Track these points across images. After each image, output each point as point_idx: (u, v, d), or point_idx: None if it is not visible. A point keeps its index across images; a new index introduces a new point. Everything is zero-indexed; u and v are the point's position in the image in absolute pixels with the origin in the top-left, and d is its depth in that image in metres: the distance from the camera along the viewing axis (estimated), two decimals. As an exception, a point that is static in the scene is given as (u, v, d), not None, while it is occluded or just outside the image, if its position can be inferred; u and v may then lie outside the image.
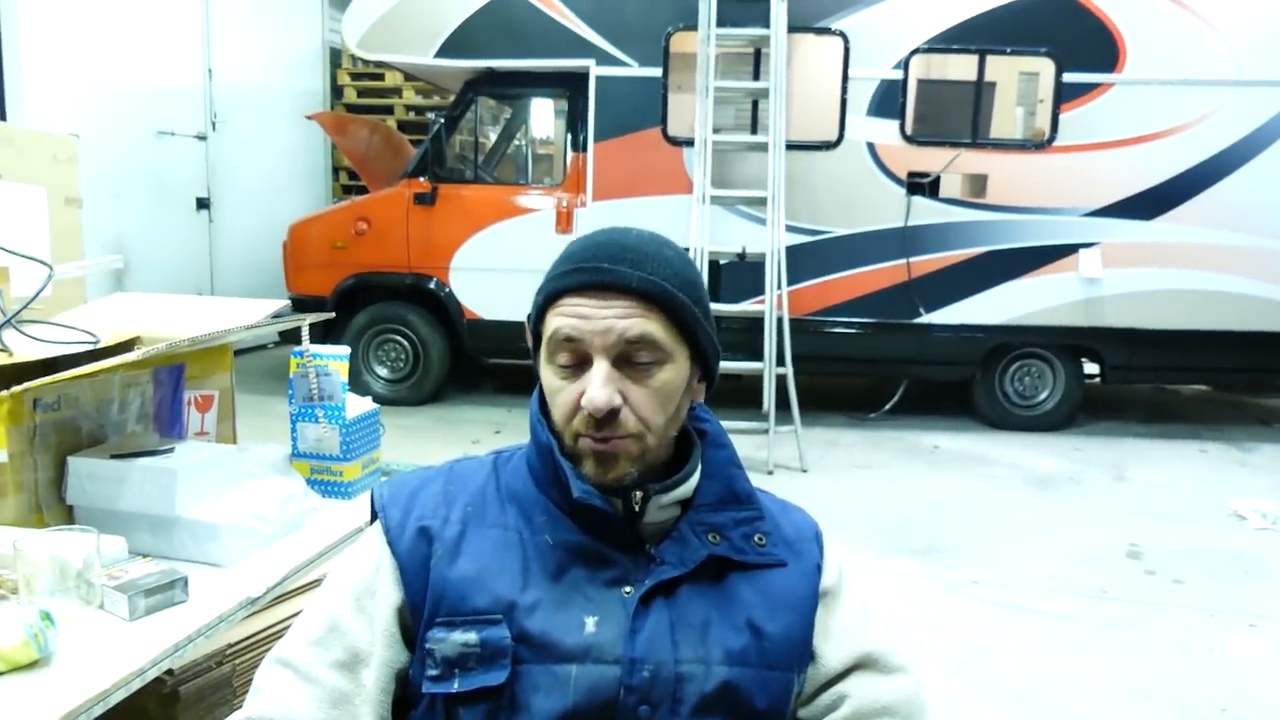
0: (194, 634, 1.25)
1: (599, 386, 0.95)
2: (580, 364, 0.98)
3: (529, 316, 1.05)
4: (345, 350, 1.89)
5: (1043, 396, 5.84)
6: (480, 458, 1.12)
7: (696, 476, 1.06)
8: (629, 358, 0.97)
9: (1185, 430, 5.90)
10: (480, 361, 6.20)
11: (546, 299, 1.01)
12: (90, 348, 1.65)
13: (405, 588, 1.01)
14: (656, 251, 1.01)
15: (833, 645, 1.07)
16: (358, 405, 1.92)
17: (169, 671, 1.74)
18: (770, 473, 4.78)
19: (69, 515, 1.53)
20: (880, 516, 4.25)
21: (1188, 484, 4.82)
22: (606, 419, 0.96)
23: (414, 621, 1.00)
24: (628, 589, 0.99)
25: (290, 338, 4.48)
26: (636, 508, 1.02)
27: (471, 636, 0.97)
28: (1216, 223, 5.42)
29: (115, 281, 6.05)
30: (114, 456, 1.50)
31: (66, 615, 1.20)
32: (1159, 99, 5.37)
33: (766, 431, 4.90)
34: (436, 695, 0.97)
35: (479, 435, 5.29)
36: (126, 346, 1.67)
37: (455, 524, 1.03)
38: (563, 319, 0.98)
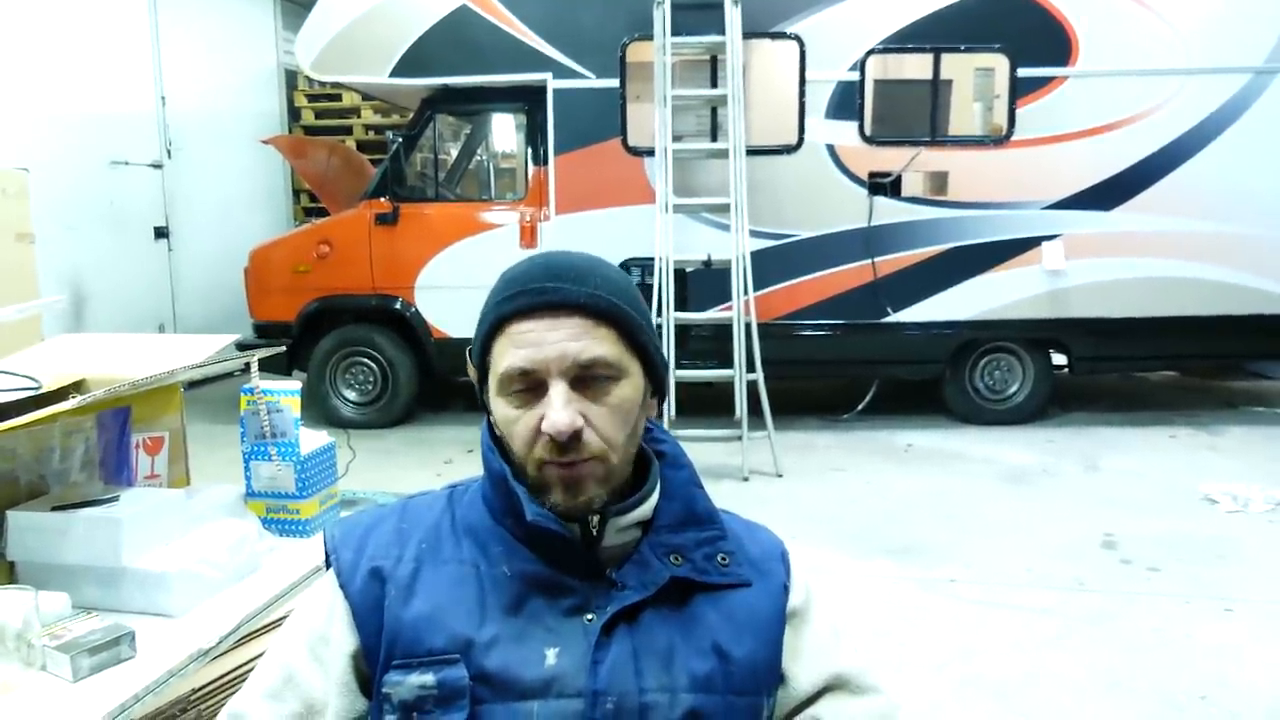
0: (141, 692, 1.20)
1: (560, 409, 0.93)
2: (535, 390, 0.95)
3: (470, 351, 1.02)
4: (296, 385, 1.85)
5: (1013, 390, 5.87)
6: (435, 492, 1.10)
7: (655, 497, 1.03)
8: (585, 378, 0.95)
9: (1154, 417, 5.95)
10: (450, 380, 6.15)
11: (491, 329, 0.98)
12: (31, 393, 1.59)
13: (359, 632, 0.98)
14: (596, 268, 1.00)
15: (803, 667, 1.05)
16: (312, 440, 1.87)
17: (130, 722, 1.69)
18: (745, 479, 4.77)
19: (10, 572, 1.48)
20: (857, 518, 4.24)
21: (1159, 471, 4.85)
22: (570, 442, 0.94)
23: (369, 666, 0.98)
24: (589, 616, 0.97)
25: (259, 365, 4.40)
26: (594, 531, 0.99)
27: (428, 678, 0.94)
28: (1174, 210, 5.48)
29: (74, 316, 5.96)
30: (55, 508, 1.45)
31: (6, 680, 1.16)
32: (1113, 90, 5.43)
33: (740, 438, 4.88)
34: None
35: (451, 455, 5.24)
36: (70, 391, 1.62)
37: (409, 562, 1.00)
38: (513, 350, 0.95)
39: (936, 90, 5.56)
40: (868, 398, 5.90)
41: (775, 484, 4.76)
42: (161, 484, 1.82)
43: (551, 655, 0.95)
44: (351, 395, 5.94)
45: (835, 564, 3.67)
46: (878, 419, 5.88)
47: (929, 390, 6.03)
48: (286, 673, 0.98)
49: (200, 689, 1.84)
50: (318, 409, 5.75)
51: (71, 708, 1.19)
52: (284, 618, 1.69)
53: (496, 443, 1.03)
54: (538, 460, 0.96)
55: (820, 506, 4.40)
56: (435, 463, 5.10)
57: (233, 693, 1.55)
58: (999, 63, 5.64)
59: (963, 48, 5.54)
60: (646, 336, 1.00)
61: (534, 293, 0.96)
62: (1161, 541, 3.86)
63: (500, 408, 0.98)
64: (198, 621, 1.43)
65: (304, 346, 5.80)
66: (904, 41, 5.47)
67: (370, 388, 5.93)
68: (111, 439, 1.68)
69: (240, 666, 1.90)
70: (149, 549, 1.46)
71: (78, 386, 1.65)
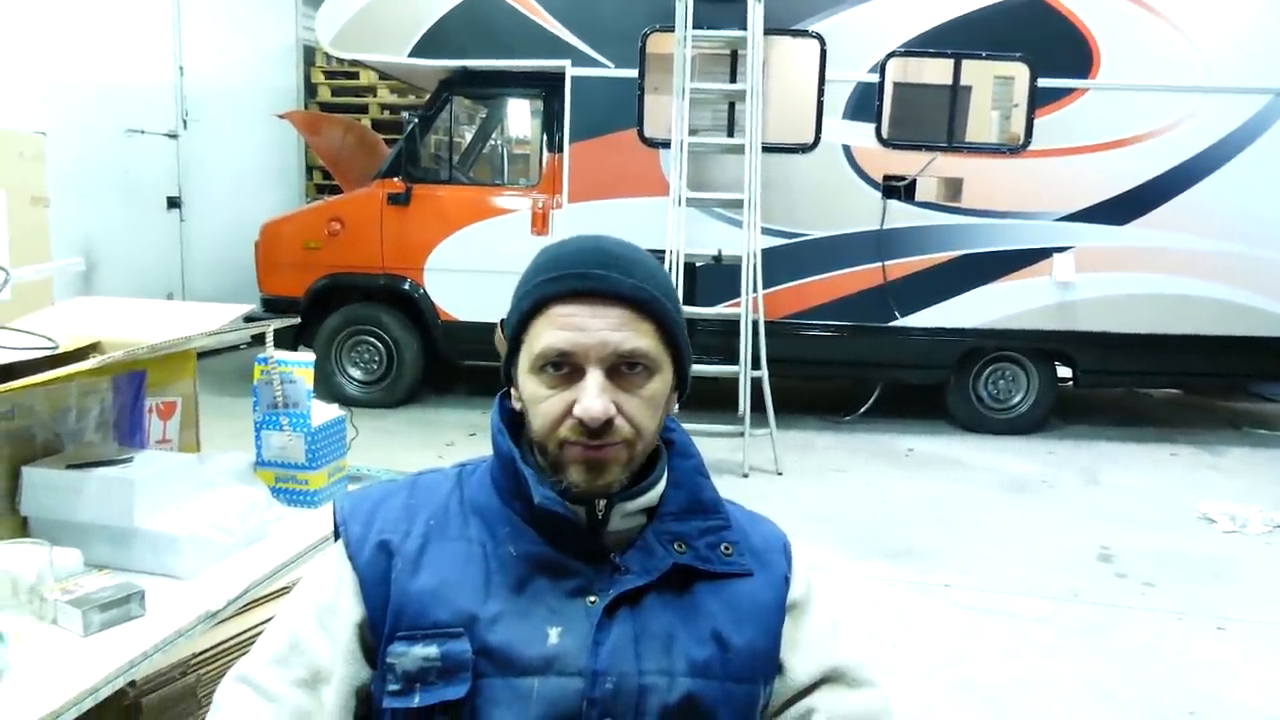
0: (150, 650, 1.22)
1: (595, 397, 0.94)
2: (570, 373, 0.97)
3: (504, 323, 1.03)
4: (310, 357, 1.86)
5: (1016, 400, 5.88)
6: (444, 470, 1.11)
7: (662, 485, 1.05)
8: (620, 368, 0.97)
9: (1156, 434, 5.95)
10: (455, 363, 6.16)
11: (533, 306, 0.99)
12: (48, 354, 1.61)
13: (366, 603, 1.00)
14: (640, 260, 1.01)
15: (801, 658, 1.06)
16: (323, 412, 1.89)
17: (131, 683, 1.71)
18: (745, 476, 4.78)
19: (23, 527, 1.49)
20: (855, 520, 4.25)
21: (1158, 487, 4.86)
22: (602, 428, 0.95)
23: (375, 637, 0.99)
24: (592, 599, 0.98)
25: (263, 339, 4.41)
26: (600, 515, 1.01)
27: (432, 650, 0.95)
28: (1187, 228, 5.48)
29: (83, 282, 5.96)
30: (70, 466, 1.47)
31: (18, 632, 1.17)
32: (1132, 105, 5.42)
33: (742, 434, 4.89)
34: (397, 710, 0.95)
35: (454, 438, 5.26)
36: (86, 352, 1.63)
37: (416, 537, 1.02)
38: (555, 330, 0.96)
39: (955, 96, 5.55)
40: (870, 400, 5.91)
41: (775, 482, 4.77)
42: (173, 448, 1.83)
43: (554, 634, 0.96)
44: (356, 373, 5.96)
45: (832, 564, 3.69)
46: (880, 422, 5.89)
47: (932, 396, 6.04)
48: (294, 639, 1.00)
49: (201, 653, 1.86)
50: (322, 386, 5.76)
51: (81, 661, 1.21)
52: (289, 586, 1.71)
53: (507, 425, 1.04)
54: (560, 439, 0.97)
55: (819, 506, 4.41)
56: (437, 444, 5.11)
57: (232, 660, 1.57)
58: (1019, 71, 5.63)
59: (984, 55, 5.54)
60: (681, 334, 1.02)
61: (581, 277, 0.97)
62: (1158, 557, 3.88)
63: (530, 384, 0.99)
64: (206, 584, 1.45)
65: (311, 322, 5.82)
66: (925, 46, 5.47)
67: (375, 367, 5.95)
68: (126, 402, 1.70)
69: (241, 634, 1.92)
70: (161, 511, 1.47)
71: (94, 348, 1.67)
